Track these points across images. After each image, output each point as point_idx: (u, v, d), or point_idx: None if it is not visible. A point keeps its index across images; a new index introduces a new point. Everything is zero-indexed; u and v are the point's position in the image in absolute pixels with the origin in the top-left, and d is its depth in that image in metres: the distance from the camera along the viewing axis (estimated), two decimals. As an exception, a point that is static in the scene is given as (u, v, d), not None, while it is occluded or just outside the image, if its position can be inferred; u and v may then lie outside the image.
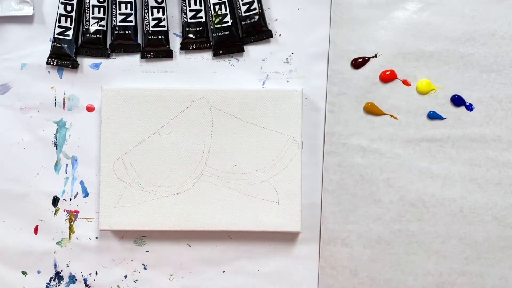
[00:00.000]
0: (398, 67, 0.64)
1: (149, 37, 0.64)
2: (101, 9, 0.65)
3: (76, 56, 0.65)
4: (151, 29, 0.64)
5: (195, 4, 0.65)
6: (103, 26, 0.65)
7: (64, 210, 0.65)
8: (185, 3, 0.65)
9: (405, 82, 0.65)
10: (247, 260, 0.65)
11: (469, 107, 0.64)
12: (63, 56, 0.64)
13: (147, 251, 0.65)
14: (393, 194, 0.64)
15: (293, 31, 0.65)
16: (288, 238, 0.65)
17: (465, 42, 0.64)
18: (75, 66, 0.65)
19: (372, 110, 0.64)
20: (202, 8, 0.65)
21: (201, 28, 0.65)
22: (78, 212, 0.65)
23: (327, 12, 0.65)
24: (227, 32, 0.65)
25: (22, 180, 0.65)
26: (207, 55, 0.65)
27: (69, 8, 0.65)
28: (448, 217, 0.64)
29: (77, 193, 0.65)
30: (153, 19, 0.64)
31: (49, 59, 0.65)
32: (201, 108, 0.62)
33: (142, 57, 0.65)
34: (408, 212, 0.64)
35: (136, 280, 0.65)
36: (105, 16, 0.65)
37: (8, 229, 0.65)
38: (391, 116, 0.64)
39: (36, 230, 0.65)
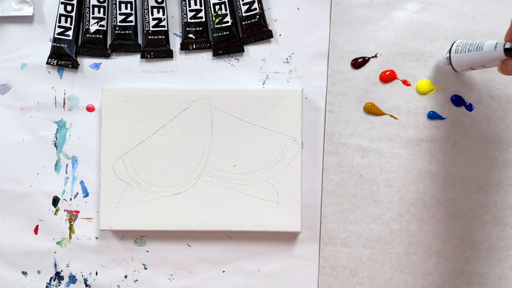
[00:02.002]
0: (398, 67, 0.65)
1: (149, 37, 0.65)
2: (101, 9, 0.65)
3: (76, 56, 0.65)
4: (151, 29, 0.64)
5: (195, 4, 0.65)
6: (103, 26, 0.65)
7: (64, 210, 0.65)
8: (185, 3, 0.65)
9: (405, 82, 0.65)
10: (247, 260, 0.65)
11: (469, 107, 0.64)
12: (63, 56, 0.65)
13: (147, 251, 0.65)
14: (393, 194, 0.64)
15: (293, 31, 0.65)
16: (288, 238, 0.65)
17: (465, 42, 0.64)
18: (75, 66, 0.65)
19: (372, 110, 0.64)
20: (202, 8, 0.65)
21: (201, 28, 0.65)
22: (78, 212, 0.65)
23: (327, 12, 0.65)
24: (227, 32, 0.65)
25: (22, 180, 0.65)
26: (207, 55, 0.65)
27: (69, 8, 0.65)
28: (448, 217, 0.64)
29: (77, 193, 0.65)
30: (153, 19, 0.64)
31: (49, 59, 0.65)
32: (201, 108, 0.62)
33: (142, 57, 0.65)
34: (408, 212, 0.64)
35: (136, 280, 0.65)
36: (105, 16, 0.65)
37: (8, 229, 0.65)
38: (391, 116, 0.64)
39: (36, 230, 0.65)
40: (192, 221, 0.62)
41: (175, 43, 0.66)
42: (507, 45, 0.50)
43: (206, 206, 0.62)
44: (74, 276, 0.65)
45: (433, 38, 0.64)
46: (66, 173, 0.65)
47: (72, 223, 0.65)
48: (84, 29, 0.65)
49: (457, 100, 0.64)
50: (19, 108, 0.65)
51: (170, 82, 0.65)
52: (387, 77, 0.64)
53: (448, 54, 0.58)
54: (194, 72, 0.65)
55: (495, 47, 0.51)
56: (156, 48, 0.65)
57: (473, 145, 0.64)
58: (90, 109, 0.65)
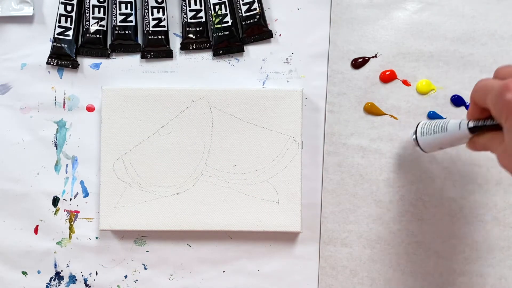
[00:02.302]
0: (398, 67, 0.65)
1: (149, 37, 0.65)
2: (101, 9, 0.65)
3: (76, 56, 0.65)
4: (151, 29, 0.64)
5: (195, 4, 0.65)
6: (103, 26, 0.65)
7: (64, 210, 0.65)
8: (185, 3, 0.65)
9: (405, 82, 0.65)
10: (247, 260, 0.65)
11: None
12: (63, 56, 0.65)
13: (147, 251, 0.65)
14: (393, 194, 0.64)
15: (293, 31, 0.65)
16: (288, 238, 0.65)
17: (465, 42, 0.64)
18: (75, 66, 0.65)
19: (372, 110, 0.64)
20: (202, 8, 0.65)
21: (201, 28, 0.65)
22: (78, 212, 0.65)
23: (327, 12, 0.65)
24: (227, 32, 0.65)
25: (22, 180, 0.65)
26: (207, 55, 0.65)
27: (69, 8, 0.65)
28: (448, 217, 0.64)
29: (77, 193, 0.65)
30: (153, 19, 0.64)
31: (49, 59, 0.65)
32: (201, 108, 0.62)
33: (142, 57, 0.65)
34: (408, 212, 0.64)
35: (136, 280, 0.65)
36: (105, 16, 0.65)
37: (8, 229, 0.65)
38: (391, 116, 0.65)
39: (36, 230, 0.65)
40: (192, 221, 0.62)
41: (175, 43, 0.66)
42: (471, 124, 0.49)
43: (206, 206, 0.62)
44: (74, 276, 0.65)
45: (433, 38, 0.64)
46: (66, 173, 0.65)
47: (72, 223, 0.65)
48: (84, 29, 0.65)
49: (457, 100, 0.64)
50: (19, 108, 0.65)
51: (170, 82, 0.65)
52: (387, 77, 0.64)
53: (414, 136, 0.57)
54: (194, 72, 0.65)
55: (459, 127, 0.50)
56: (156, 48, 0.65)
57: (473, 145, 0.64)
58: (90, 109, 0.65)
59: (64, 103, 0.65)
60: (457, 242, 0.64)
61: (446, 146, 0.55)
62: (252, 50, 0.65)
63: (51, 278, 0.65)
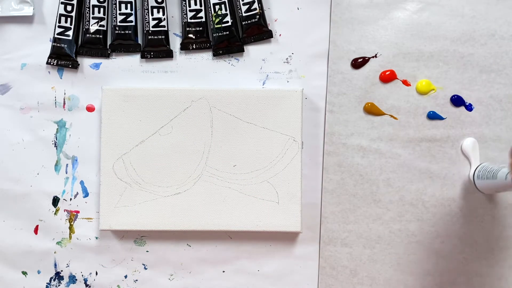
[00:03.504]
0: (398, 67, 0.65)
1: (149, 37, 0.65)
2: (101, 9, 0.65)
3: (76, 56, 0.65)
4: (151, 29, 0.64)
5: (195, 4, 0.65)
6: (103, 26, 0.65)
7: (64, 210, 0.65)
8: (185, 3, 0.65)
9: (405, 82, 0.65)
10: (247, 260, 0.65)
11: (469, 107, 0.64)
12: (63, 56, 0.64)
13: (147, 251, 0.65)
14: (393, 194, 0.64)
15: (293, 31, 0.65)
16: (288, 238, 0.65)
17: (465, 42, 0.64)
18: (75, 66, 0.65)
19: (372, 110, 0.64)
20: (202, 8, 0.65)
21: (201, 28, 0.65)
22: (78, 212, 0.65)
23: (327, 12, 0.65)
24: (227, 32, 0.65)
25: (22, 180, 0.65)
26: (207, 55, 0.65)
27: (69, 8, 0.65)
28: (448, 217, 0.64)
29: (77, 193, 0.65)
30: (153, 19, 0.64)
31: (49, 59, 0.65)
32: (201, 108, 0.62)
33: (142, 57, 0.65)
34: (408, 212, 0.64)
35: (136, 280, 0.65)
36: (105, 16, 0.65)
37: (8, 229, 0.65)
38: (391, 116, 0.65)
39: (36, 230, 0.65)
40: (192, 221, 0.62)
41: (175, 43, 0.66)
42: (509, 177, 0.54)
43: (206, 206, 0.62)
44: (74, 276, 0.65)
45: (433, 38, 0.64)
46: (66, 173, 0.65)
47: (72, 223, 0.65)
48: (84, 29, 0.65)
49: (457, 100, 0.64)
50: (19, 108, 0.65)
51: (170, 82, 0.65)
52: (387, 77, 0.64)
53: (473, 178, 0.62)
54: (194, 72, 0.65)
55: (505, 177, 0.55)
56: (156, 48, 0.65)
57: (473, 145, 0.64)
58: (90, 109, 0.65)
59: (64, 103, 0.65)
60: (457, 242, 0.64)
61: (500, 191, 0.59)
62: (252, 50, 0.65)
63: (51, 278, 0.65)
